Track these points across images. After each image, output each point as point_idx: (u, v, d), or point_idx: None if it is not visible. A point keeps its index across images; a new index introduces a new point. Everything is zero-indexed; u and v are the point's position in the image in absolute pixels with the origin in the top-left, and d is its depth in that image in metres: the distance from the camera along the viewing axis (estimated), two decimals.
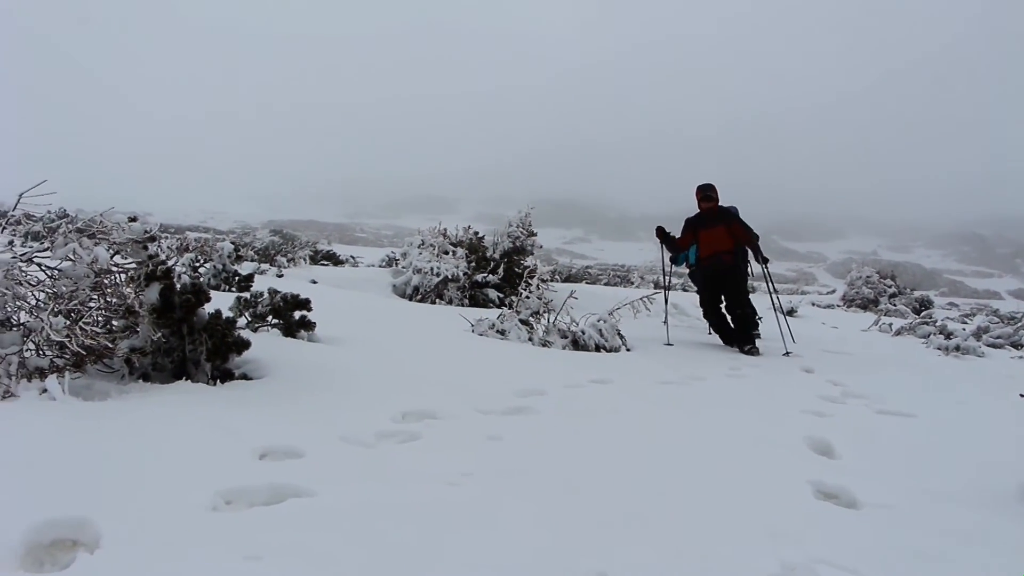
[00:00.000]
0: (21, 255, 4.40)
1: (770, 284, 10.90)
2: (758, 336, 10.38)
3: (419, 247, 15.02)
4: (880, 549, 2.97)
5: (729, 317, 10.15)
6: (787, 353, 9.53)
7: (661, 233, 10.65)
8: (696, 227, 10.33)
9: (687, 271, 11.75)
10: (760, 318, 10.68)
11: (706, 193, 10.37)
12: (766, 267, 10.49)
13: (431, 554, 2.59)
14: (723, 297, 10.20)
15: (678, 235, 10.55)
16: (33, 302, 4.36)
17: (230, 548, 2.48)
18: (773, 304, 10.73)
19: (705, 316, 10.50)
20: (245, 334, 5.29)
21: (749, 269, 10.69)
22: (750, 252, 10.28)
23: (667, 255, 10.82)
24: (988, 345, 14.15)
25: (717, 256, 10.08)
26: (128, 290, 4.74)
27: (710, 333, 11.09)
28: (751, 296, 10.79)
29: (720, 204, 10.35)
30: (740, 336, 9.88)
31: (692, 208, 10.53)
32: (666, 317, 10.76)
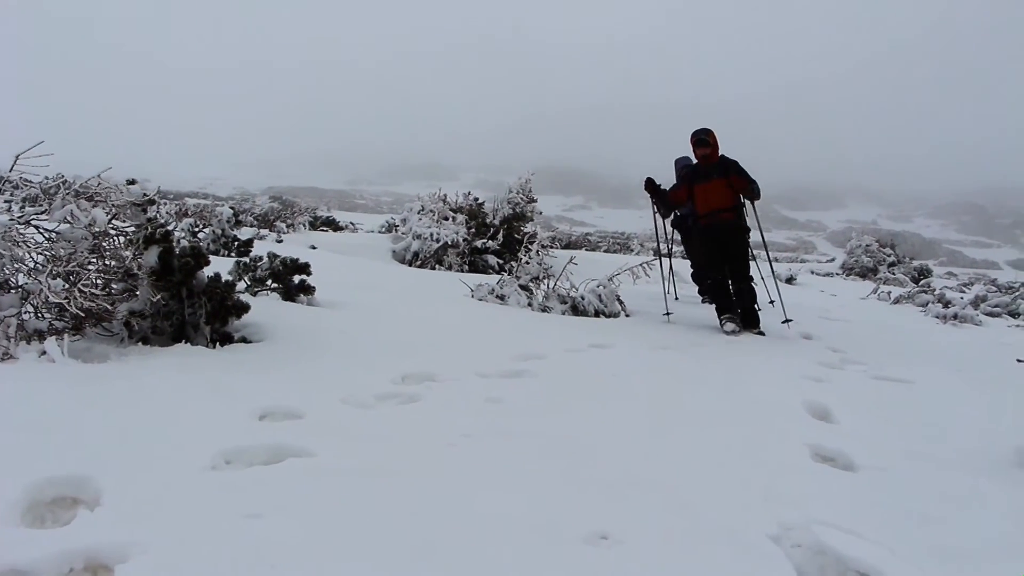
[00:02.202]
0: (18, 217, 4.39)
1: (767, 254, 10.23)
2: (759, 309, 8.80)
3: (419, 213, 15.02)
4: (878, 511, 2.98)
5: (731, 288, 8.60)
6: (787, 321, 8.61)
7: (651, 187, 9.18)
8: (692, 180, 8.74)
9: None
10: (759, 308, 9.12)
11: (700, 137, 8.66)
12: (753, 207, 8.99)
13: (430, 514, 2.60)
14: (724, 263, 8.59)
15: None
16: (31, 264, 4.35)
17: (231, 506, 2.49)
18: (772, 272, 10.22)
19: (695, 280, 9.21)
20: (245, 298, 5.30)
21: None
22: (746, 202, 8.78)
23: (662, 212, 9.55)
24: (986, 314, 14.18)
25: (715, 215, 8.56)
26: (127, 253, 4.73)
27: (704, 301, 10.63)
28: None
29: (722, 154, 8.68)
30: (745, 316, 8.44)
31: None
32: (666, 285, 9.77)
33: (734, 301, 8.50)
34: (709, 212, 8.60)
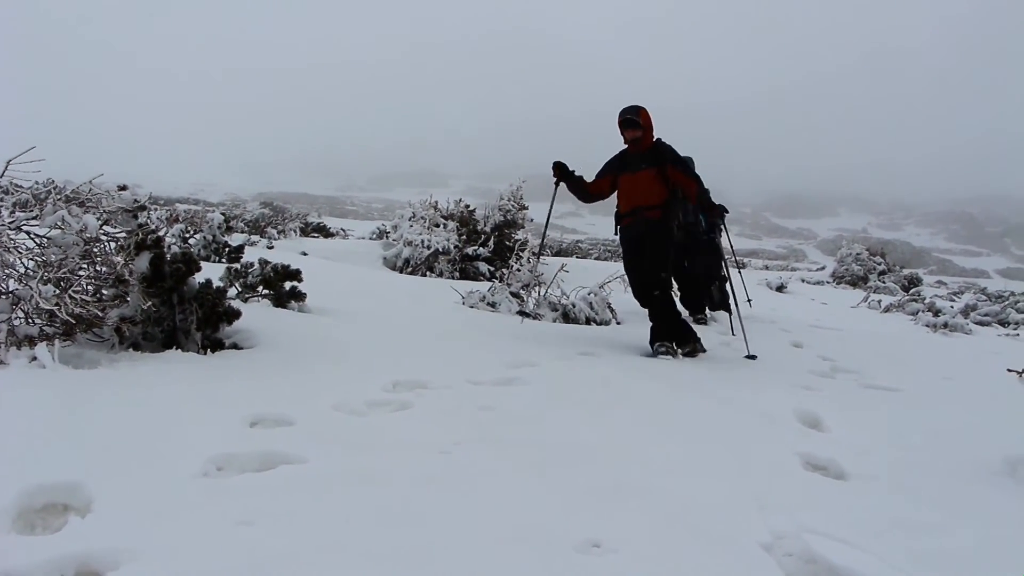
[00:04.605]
0: (9, 223, 4.38)
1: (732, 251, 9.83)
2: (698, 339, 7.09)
3: (410, 220, 15.03)
4: (869, 519, 2.98)
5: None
6: (751, 356, 7.04)
7: (560, 171, 7.37)
8: (618, 170, 7.18)
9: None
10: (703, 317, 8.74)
11: (627, 117, 6.94)
12: (723, 224, 8.37)
13: (423, 522, 2.60)
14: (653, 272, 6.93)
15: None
16: (22, 270, 4.33)
17: (222, 513, 2.48)
18: (738, 278, 9.72)
19: (636, 298, 7.25)
20: (236, 304, 5.28)
21: (719, 239, 8.64)
22: (700, 212, 7.71)
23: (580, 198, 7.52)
24: (975, 323, 14.28)
25: (639, 212, 6.93)
26: (118, 259, 4.71)
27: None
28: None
29: (658, 138, 7.06)
30: (671, 330, 6.91)
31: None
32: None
33: (663, 325, 6.93)
34: (632, 210, 7.01)
